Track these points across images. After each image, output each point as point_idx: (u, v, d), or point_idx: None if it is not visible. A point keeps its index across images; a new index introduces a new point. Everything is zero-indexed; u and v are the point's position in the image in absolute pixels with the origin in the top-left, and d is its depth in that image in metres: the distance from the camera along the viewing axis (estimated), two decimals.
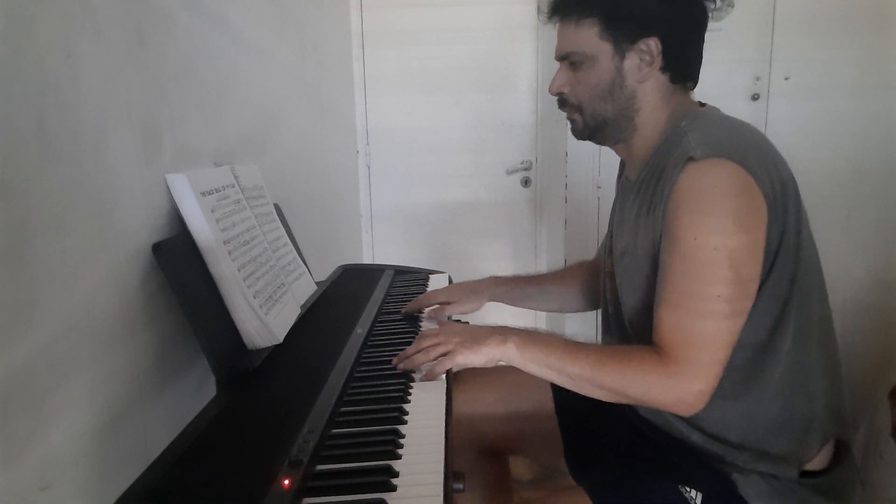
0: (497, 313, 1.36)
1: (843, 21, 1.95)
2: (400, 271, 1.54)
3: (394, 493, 0.65)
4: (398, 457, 0.72)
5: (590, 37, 0.95)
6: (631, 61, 0.95)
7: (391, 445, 0.74)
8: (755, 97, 2.04)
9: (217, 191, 0.94)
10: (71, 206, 0.66)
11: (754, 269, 0.84)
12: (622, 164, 1.15)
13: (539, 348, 0.91)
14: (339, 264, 1.59)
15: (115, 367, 0.74)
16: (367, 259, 2.69)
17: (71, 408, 0.65)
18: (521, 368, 0.92)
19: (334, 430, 0.78)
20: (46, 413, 0.61)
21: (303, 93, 1.75)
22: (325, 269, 1.52)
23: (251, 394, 0.84)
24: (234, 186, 1.00)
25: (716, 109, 0.98)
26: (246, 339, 0.91)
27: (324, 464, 0.70)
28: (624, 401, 0.90)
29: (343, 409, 0.83)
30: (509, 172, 2.64)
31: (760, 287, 0.86)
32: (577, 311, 1.34)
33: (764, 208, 0.83)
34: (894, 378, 1.59)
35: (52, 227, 0.63)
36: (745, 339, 0.87)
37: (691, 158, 0.84)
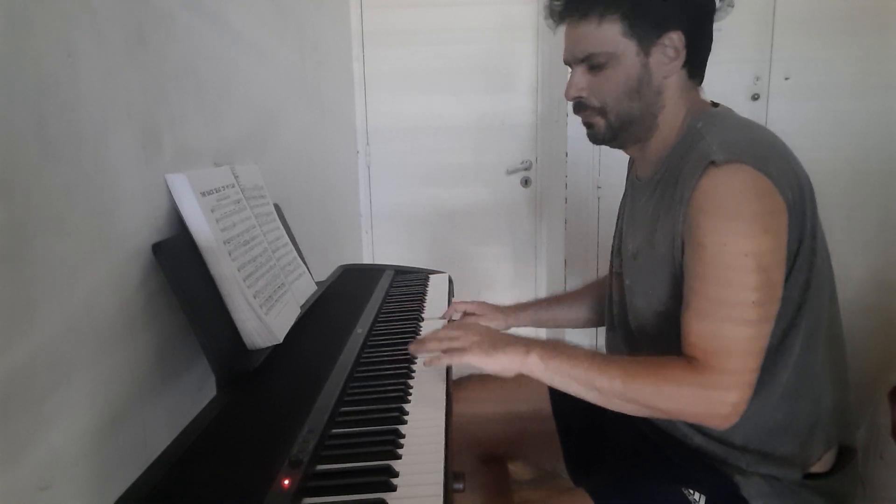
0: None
1: (843, 21, 1.95)
2: (400, 271, 1.54)
3: (394, 493, 0.65)
4: (398, 457, 0.72)
5: (613, 35, 0.92)
6: (656, 56, 0.93)
7: (391, 445, 0.74)
8: (755, 97, 2.04)
9: (217, 191, 0.94)
10: (71, 206, 0.66)
11: (781, 273, 0.83)
12: (631, 163, 1.14)
13: (564, 361, 0.87)
14: (339, 264, 1.59)
15: (115, 367, 0.74)
16: (367, 259, 2.69)
17: (71, 408, 0.65)
18: (545, 382, 0.88)
19: (334, 430, 0.78)
20: (46, 413, 0.61)
21: (303, 93, 1.75)
22: (325, 269, 1.52)
23: (251, 394, 0.84)
24: (234, 186, 1.00)
25: (729, 110, 0.97)
26: (246, 339, 0.91)
27: (324, 464, 0.71)
28: (655, 415, 0.87)
29: (343, 409, 0.83)
30: (509, 172, 2.64)
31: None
32: (599, 325, 1.31)
33: (785, 212, 0.82)
34: (894, 378, 1.58)
35: (52, 227, 0.63)
36: None
37: (713, 163, 0.82)
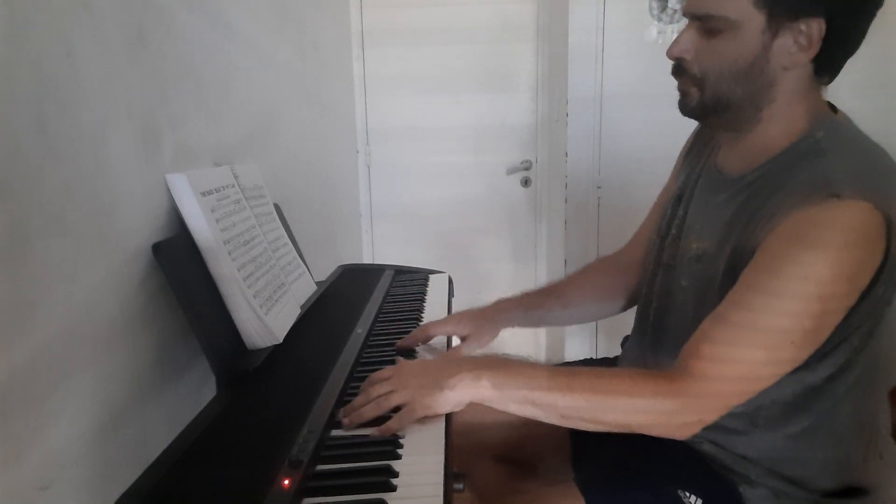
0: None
1: None
2: (400, 271, 1.54)
3: (394, 493, 0.65)
4: (398, 457, 0.72)
5: (742, 1, 0.79)
6: (783, 41, 0.79)
7: (391, 445, 0.74)
8: None
9: (217, 191, 0.94)
10: (71, 206, 0.66)
11: (833, 325, 0.76)
12: (695, 143, 1.03)
13: (521, 383, 0.77)
14: (339, 264, 1.59)
15: (115, 367, 0.74)
16: (367, 259, 2.69)
17: (71, 408, 0.65)
18: (500, 409, 0.78)
19: (334, 431, 0.78)
20: (46, 413, 0.61)
21: (303, 93, 1.75)
22: (325, 269, 1.52)
23: (251, 394, 0.84)
24: (234, 186, 1.00)
25: (850, 121, 0.87)
26: (246, 339, 0.91)
27: (324, 464, 0.71)
28: (622, 430, 0.80)
29: (342, 409, 0.83)
30: (509, 172, 2.64)
31: (843, 339, 0.80)
32: (606, 316, 1.21)
33: (878, 264, 0.75)
34: (894, 378, 1.58)
35: (52, 227, 0.63)
36: (803, 378, 0.82)
37: (835, 195, 0.73)
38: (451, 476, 0.69)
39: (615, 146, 1.97)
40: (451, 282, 1.47)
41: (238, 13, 1.21)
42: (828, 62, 0.82)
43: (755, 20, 0.79)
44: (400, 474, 0.68)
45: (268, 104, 1.41)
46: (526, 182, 2.64)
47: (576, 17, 2.03)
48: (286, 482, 0.64)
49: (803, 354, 0.77)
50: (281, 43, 1.54)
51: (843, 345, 0.81)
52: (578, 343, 2.28)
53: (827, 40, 0.79)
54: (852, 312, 0.77)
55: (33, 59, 0.61)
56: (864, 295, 0.77)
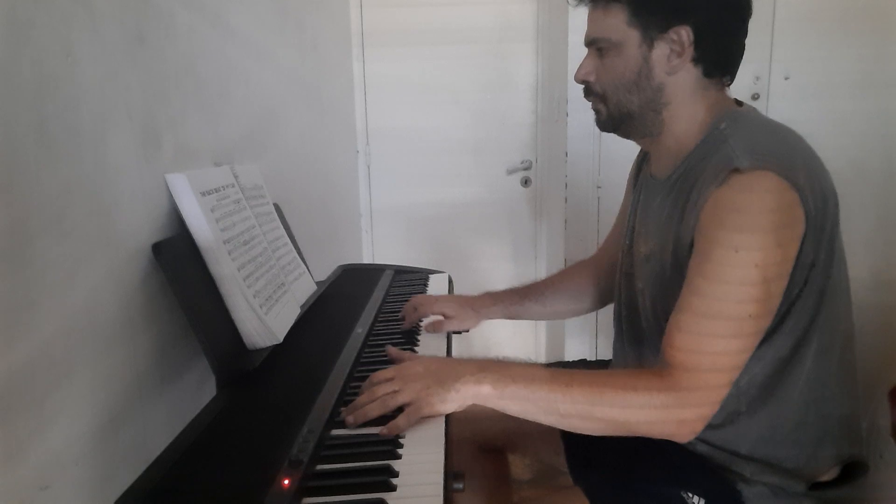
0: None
1: (843, 21, 1.95)
2: (400, 271, 1.54)
3: (394, 493, 0.65)
4: (398, 457, 0.72)
5: (617, 23, 0.90)
6: (660, 51, 0.89)
7: (391, 445, 0.74)
8: (755, 97, 2.04)
9: (217, 191, 0.94)
10: (71, 206, 0.66)
11: (781, 287, 0.81)
12: (642, 159, 1.10)
13: (521, 385, 0.80)
14: (339, 264, 1.59)
15: (115, 367, 0.74)
16: (366, 259, 2.69)
17: (71, 408, 0.65)
18: (501, 410, 0.81)
19: (334, 430, 0.78)
20: (46, 413, 0.61)
21: (303, 93, 1.75)
22: (325, 269, 1.52)
23: (251, 394, 0.84)
24: (233, 186, 1.00)
25: (754, 110, 0.94)
26: (246, 339, 0.91)
27: (324, 464, 0.71)
28: (621, 433, 0.82)
29: (343, 408, 0.83)
30: (509, 172, 2.64)
31: (791, 305, 0.84)
32: (578, 314, 1.29)
33: (802, 225, 0.80)
34: (894, 378, 1.58)
35: (52, 227, 0.63)
36: (768, 355, 0.85)
37: (736, 170, 0.79)
38: (451, 476, 0.69)
39: (615, 146, 1.97)
40: (451, 281, 1.48)
41: (238, 13, 1.21)
42: (711, 62, 0.90)
43: (632, 37, 0.90)
44: (400, 474, 0.68)
45: (268, 104, 1.41)
46: (526, 182, 2.64)
47: (576, 17, 2.03)
48: (286, 482, 0.64)
49: (764, 324, 0.81)
50: (281, 43, 1.54)
51: (793, 314, 0.85)
52: (578, 343, 2.28)
53: (700, 44, 0.88)
54: (789, 279, 0.82)
55: (33, 59, 0.61)
56: (795, 261, 0.82)
